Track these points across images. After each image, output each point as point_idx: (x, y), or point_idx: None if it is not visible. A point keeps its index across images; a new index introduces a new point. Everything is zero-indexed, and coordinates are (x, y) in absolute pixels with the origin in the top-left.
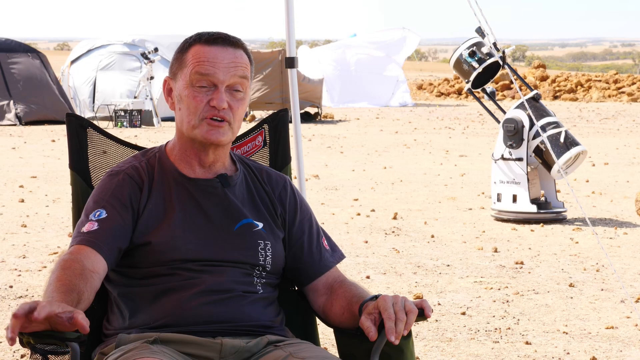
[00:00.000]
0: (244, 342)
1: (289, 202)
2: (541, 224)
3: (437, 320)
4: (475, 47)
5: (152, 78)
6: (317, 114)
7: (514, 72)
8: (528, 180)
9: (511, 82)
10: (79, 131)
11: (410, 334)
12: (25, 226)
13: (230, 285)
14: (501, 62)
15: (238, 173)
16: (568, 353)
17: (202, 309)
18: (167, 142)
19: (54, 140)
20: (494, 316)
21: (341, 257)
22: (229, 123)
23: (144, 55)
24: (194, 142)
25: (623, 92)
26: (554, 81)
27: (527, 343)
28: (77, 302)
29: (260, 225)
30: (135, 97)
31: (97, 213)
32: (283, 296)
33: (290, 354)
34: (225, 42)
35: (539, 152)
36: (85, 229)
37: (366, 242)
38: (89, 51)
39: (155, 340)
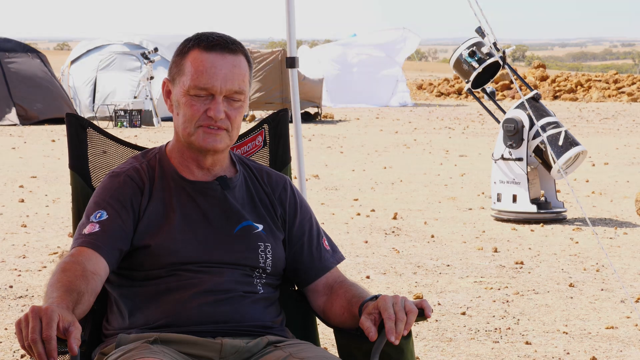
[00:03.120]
0: (244, 342)
1: (289, 202)
2: (541, 224)
3: (437, 320)
4: (475, 47)
5: (152, 78)
6: (317, 114)
7: (514, 72)
8: (528, 180)
9: (511, 82)
10: (79, 131)
11: (410, 334)
12: (25, 226)
13: (230, 285)
14: (501, 62)
15: (238, 175)
16: (568, 353)
17: (202, 309)
18: (167, 143)
19: (54, 140)
20: (494, 316)
21: (341, 258)
22: (227, 130)
23: (144, 55)
24: (192, 147)
25: (623, 92)
26: (554, 81)
27: (527, 343)
28: (77, 302)
29: (260, 227)
30: (135, 97)
31: (98, 214)
32: (283, 296)
33: (290, 354)
34: (224, 48)
35: (539, 152)
36: (86, 230)
37: (366, 242)
38: (88, 51)
39: (156, 340)
